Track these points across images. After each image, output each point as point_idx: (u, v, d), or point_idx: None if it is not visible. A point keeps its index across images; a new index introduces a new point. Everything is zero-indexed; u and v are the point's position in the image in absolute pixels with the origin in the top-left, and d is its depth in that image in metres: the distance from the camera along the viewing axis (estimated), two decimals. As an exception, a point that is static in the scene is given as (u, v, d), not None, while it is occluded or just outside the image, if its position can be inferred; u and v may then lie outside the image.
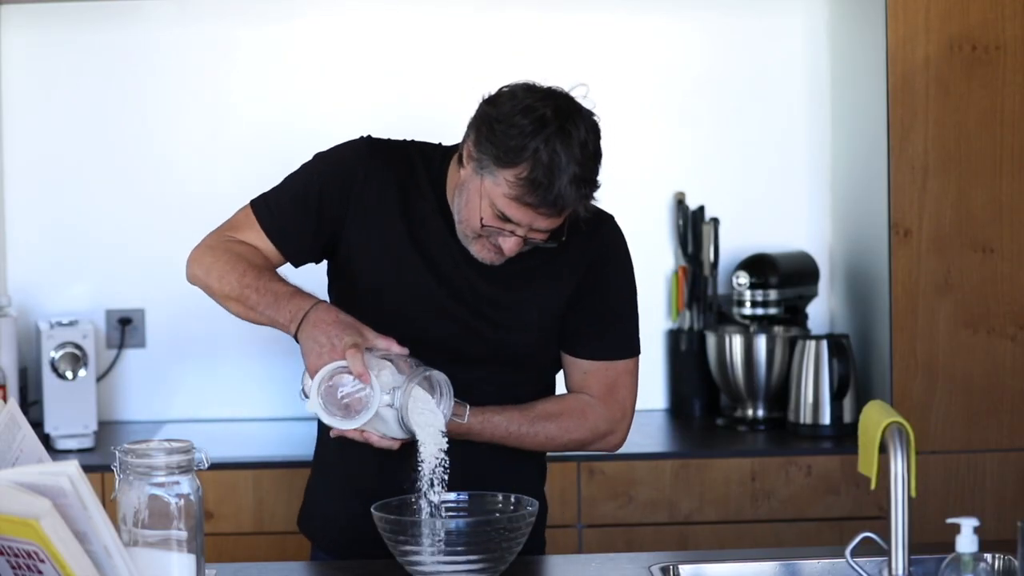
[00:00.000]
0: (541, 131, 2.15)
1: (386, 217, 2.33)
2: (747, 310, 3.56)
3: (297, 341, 2.21)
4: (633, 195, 3.76)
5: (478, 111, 2.23)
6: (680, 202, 3.73)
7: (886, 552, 1.96)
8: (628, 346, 2.44)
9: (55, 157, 3.73)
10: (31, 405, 3.57)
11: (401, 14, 3.72)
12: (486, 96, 2.25)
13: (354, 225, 2.33)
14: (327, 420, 2.16)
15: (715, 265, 3.66)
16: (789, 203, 3.78)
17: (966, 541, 1.83)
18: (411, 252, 2.33)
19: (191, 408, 3.72)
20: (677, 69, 3.76)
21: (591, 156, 2.18)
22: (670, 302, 3.77)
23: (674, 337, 3.72)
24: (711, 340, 3.60)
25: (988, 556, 2.04)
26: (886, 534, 1.95)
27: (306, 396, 2.19)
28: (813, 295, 3.66)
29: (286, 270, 2.40)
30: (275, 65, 3.73)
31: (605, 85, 3.75)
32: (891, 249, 3.27)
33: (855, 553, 1.98)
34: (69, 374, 3.45)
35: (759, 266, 3.56)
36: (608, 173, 3.75)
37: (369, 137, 2.40)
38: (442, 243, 2.32)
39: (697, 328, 3.70)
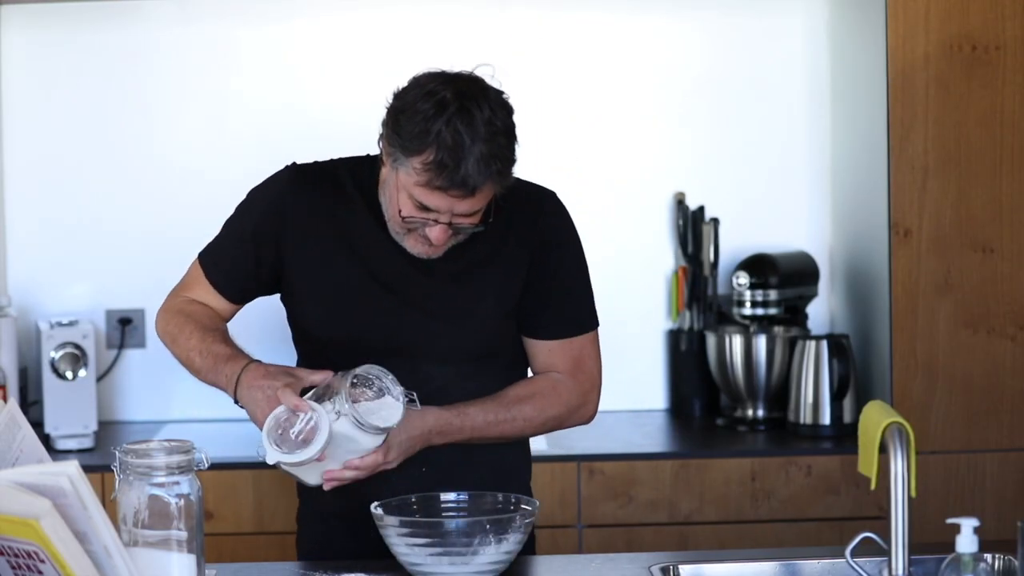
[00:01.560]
0: (442, 113, 2.15)
1: (323, 238, 2.35)
2: (747, 310, 3.56)
3: (240, 405, 2.26)
4: (633, 195, 3.77)
5: (388, 106, 2.24)
6: (680, 202, 3.73)
7: (886, 552, 1.96)
8: (586, 320, 2.43)
9: (55, 157, 3.73)
10: (31, 405, 3.57)
11: (401, 14, 3.72)
12: (396, 90, 2.26)
13: (294, 253, 2.36)
14: (289, 459, 2.13)
15: (715, 265, 3.66)
16: (789, 203, 3.78)
17: (966, 541, 1.83)
18: (354, 267, 2.34)
19: (191, 408, 3.72)
20: (677, 69, 3.76)
21: (499, 132, 2.17)
22: (670, 302, 3.77)
23: (674, 337, 3.72)
24: (711, 340, 3.60)
25: (988, 556, 2.04)
26: (886, 534, 1.95)
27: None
28: (813, 295, 3.66)
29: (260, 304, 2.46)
30: (275, 65, 3.73)
31: (605, 85, 3.76)
32: (891, 249, 3.27)
33: (855, 553, 1.98)
34: (69, 374, 3.45)
35: (759, 266, 3.56)
36: (608, 173, 3.78)
37: (294, 164, 2.42)
38: (384, 251, 2.33)
39: (697, 328, 3.70)
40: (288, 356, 2.46)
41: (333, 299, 2.34)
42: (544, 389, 2.38)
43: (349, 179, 2.37)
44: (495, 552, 2.09)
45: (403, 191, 2.21)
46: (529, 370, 2.46)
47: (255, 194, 2.41)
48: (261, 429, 2.18)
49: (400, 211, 2.23)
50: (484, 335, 2.36)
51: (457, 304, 2.34)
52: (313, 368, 2.29)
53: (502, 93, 2.23)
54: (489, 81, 2.23)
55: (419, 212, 2.21)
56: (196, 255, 2.45)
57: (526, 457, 2.51)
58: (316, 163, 2.42)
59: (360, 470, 2.20)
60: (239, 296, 2.42)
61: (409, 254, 2.30)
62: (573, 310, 2.42)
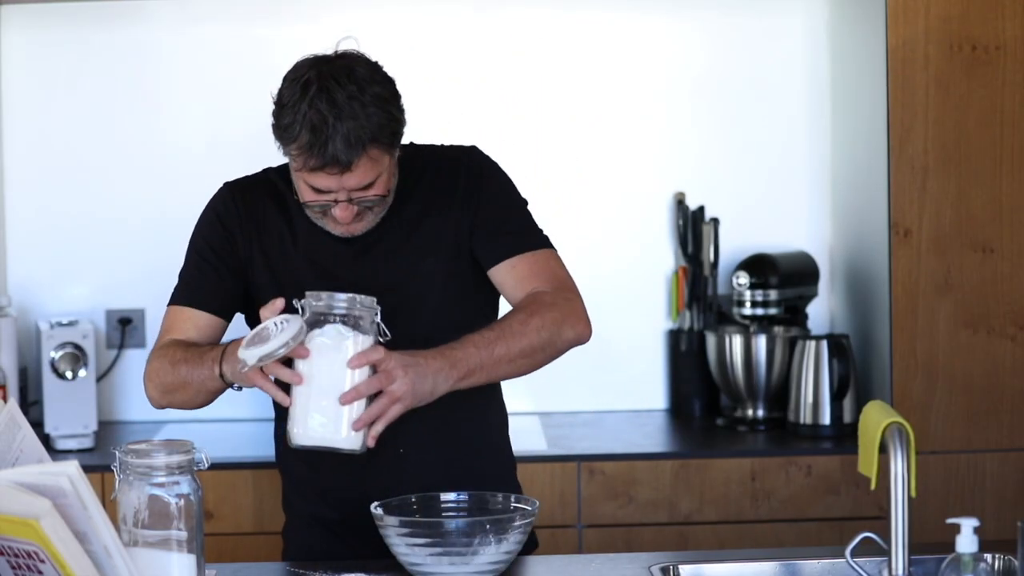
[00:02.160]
0: (304, 97, 2.20)
1: (268, 244, 2.39)
2: (747, 310, 3.56)
3: (226, 381, 2.28)
4: (633, 195, 3.77)
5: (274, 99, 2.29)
6: (680, 202, 3.73)
7: (886, 552, 1.96)
8: (539, 238, 2.41)
9: (55, 157, 3.73)
10: (31, 405, 3.57)
11: (401, 14, 3.72)
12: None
13: (247, 263, 2.40)
14: (267, 348, 2.11)
15: (715, 265, 3.66)
16: (789, 203, 3.78)
17: (966, 541, 1.83)
18: (301, 265, 2.38)
19: (191, 408, 3.72)
20: (677, 69, 3.76)
21: (368, 104, 2.20)
22: (670, 302, 3.77)
23: (674, 337, 3.72)
24: (711, 340, 3.60)
25: (988, 556, 2.04)
26: (886, 534, 1.95)
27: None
28: (813, 295, 3.66)
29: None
30: (276, 66, 3.71)
31: (606, 85, 3.76)
32: (891, 249, 3.27)
33: (855, 553, 1.98)
34: (69, 374, 3.45)
35: (759, 266, 3.56)
36: (608, 173, 3.78)
37: (227, 182, 2.47)
38: (324, 243, 2.37)
39: (697, 328, 3.70)
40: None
41: (288, 300, 2.36)
42: (525, 301, 2.33)
43: (281, 181, 2.41)
44: (495, 552, 2.09)
45: (299, 179, 2.27)
46: None
47: (201, 220, 2.46)
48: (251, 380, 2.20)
49: (297, 198, 2.30)
50: (435, 296, 2.37)
51: (401, 273, 2.36)
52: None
53: (374, 65, 2.26)
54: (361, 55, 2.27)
55: (316, 195, 2.26)
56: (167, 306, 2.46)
57: (504, 430, 2.51)
58: (247, 176, 2.47)
59: (382, 395, 2.13)
60: (224, 308, 2.42)
61: (344, 243, 2.35)
62: (521, 227, 2.40)
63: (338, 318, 2.16)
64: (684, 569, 2.22)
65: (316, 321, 2.16)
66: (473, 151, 2.46)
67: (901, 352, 3.27)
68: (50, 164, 3.73)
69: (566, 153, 3.75)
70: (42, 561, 1.66)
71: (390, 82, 2.27)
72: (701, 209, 3.70)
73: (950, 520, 1.86)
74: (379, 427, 2.15)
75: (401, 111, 2.26)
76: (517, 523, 2.11)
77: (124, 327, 3.72)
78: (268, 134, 3.74)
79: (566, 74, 3.76)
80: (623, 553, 2.78)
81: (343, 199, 2.25)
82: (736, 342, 3.55)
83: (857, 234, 3.56)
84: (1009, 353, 3.28)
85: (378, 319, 2.17)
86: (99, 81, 3.72)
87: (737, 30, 3.76)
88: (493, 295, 2.45)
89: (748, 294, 3.55)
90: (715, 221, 3.66)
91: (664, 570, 2.19)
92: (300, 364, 2.14)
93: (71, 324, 3.51)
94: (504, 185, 2.44)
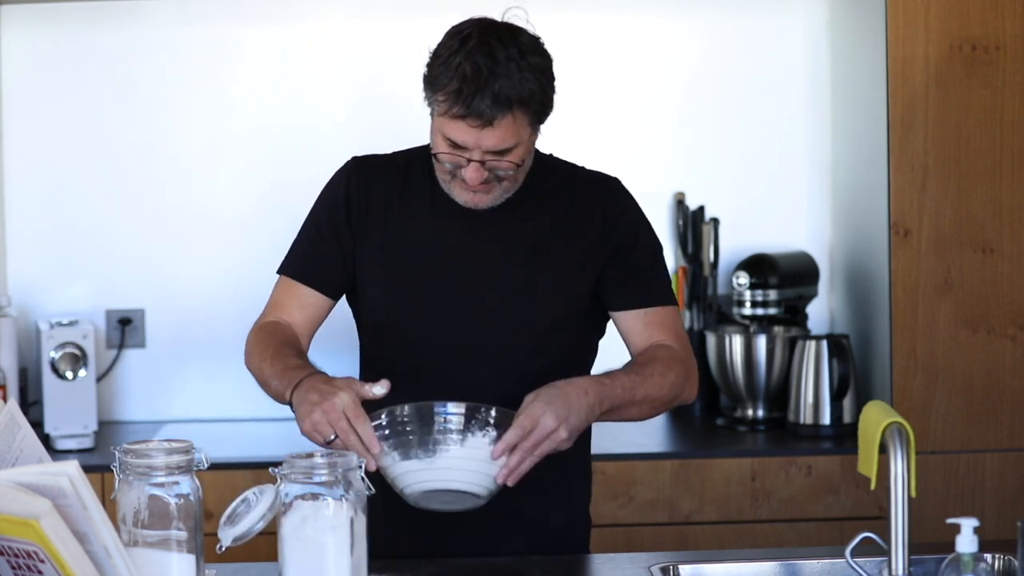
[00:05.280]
0: (464, 47, 2.22)
1: (384, 223, 2.37)
2: (747, 310, 3.56)
3: (292, 408, 2.22)
4: (633, 195, 3.76)
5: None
6: (680, 202, 3.73)
7: (886, 552, 1.96)
8: (671, 293, 2.45)
9: (55, 157, 3.72)
10: (31, 405, 3.57)
11: (401, 15, 3.71)
12: None
13: (360, 240, 2.38)
14: (235, 531, 2.08)
15: (715, 265, 3.66)
16: (789, 203, 3.78)
17: (966, 541, 1.83)
18: (411, 250, 2.35)
19: (191, 408, 3.71)
20: (677, 69, 3.76)
21: (525, 69, 2.22)
22: (670, 302, 3.77)
23: (674, 337, 3.72)
24: (711, 340, 3.60)
25: (988, 556, 2.05)
26: (886, 534, 1.95)
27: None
28: (813, 295, 3.66)
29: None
30: (276, 66, 3.73)
31: (605, 85, 3.75)
32: (891, 249, 3.27)
33: (855, 553, 1.98)
34: (69, 374, 3.45)
35: (759, 266, 3.56)
36: (608, 172, 3.77)
37: (355, 157, 2.46)
38: (439, 233, 2.35)
39: (697, 328, 3.70)
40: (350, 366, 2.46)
41: (394, 282, 2.36)
42: (660, 352, 2.37)
43: (416, 166, 2.40)
44: (459, 452, 2.09)
45: (437, 132, 2.25)
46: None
47: (323, 192, 2.44)
48: (303, 431, 2.15)
49: (433, 151, 2.27)
50: (541, 309, 2.35)
51: (512, 280, 2.34)
52: (375, 364, 2.36)
53: (537, 39, 2.29)
54: (524, 25, 2.31)
55: (449, 148, 2.24)
56: (276, 273, 2.44)
57: (584, 490, 2.51)
58: (376, 155, 2.47)
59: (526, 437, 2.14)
60: (332, 285, 2.40)
61: (463, 234, 2.33)
62: (661, 279, 2.43)
63: (319, 481, 1.98)
64: (684, 569, 2.22)
65: (300, 484, 2.00)
66: (617, 183, 2.47)
67: (901, 352, 3.27)
68: (50, 164, 3.73)
69: (566, 153, 3.74)
70: (42, 561, 1.66)
71: (549, 59, 2.28)
72: (701, 209, 3.70)
73: (950, 520, 1.86)
74: (526, 465, 2.14)
75: (554, 91, 2.28)
76: (479, 417, 2.09)
77: (124, 327, 3.72)
78: (267, 133, 3.76)
79: (565, 74, 3.72)
80: (623, 553, 2.78)
81: (476, 159, 2.24)
82: (736, 342, 3.55)
83: (857, 234, 3.56)
84: (1009, 353, 3.28)
85: (362, 474, 1.98)
86: (99, 81, 3.71)
87: (737, 30, 3.76)
88: (596, 331, 2.45)
89: (748, 294, 3.55)
90: (715, 221, 3.66)
91: (664, 570, 2.19)
92: (283, 532, 2.05)
93: (71, 324, 3.51)
94: (648, 230, 2.45)
